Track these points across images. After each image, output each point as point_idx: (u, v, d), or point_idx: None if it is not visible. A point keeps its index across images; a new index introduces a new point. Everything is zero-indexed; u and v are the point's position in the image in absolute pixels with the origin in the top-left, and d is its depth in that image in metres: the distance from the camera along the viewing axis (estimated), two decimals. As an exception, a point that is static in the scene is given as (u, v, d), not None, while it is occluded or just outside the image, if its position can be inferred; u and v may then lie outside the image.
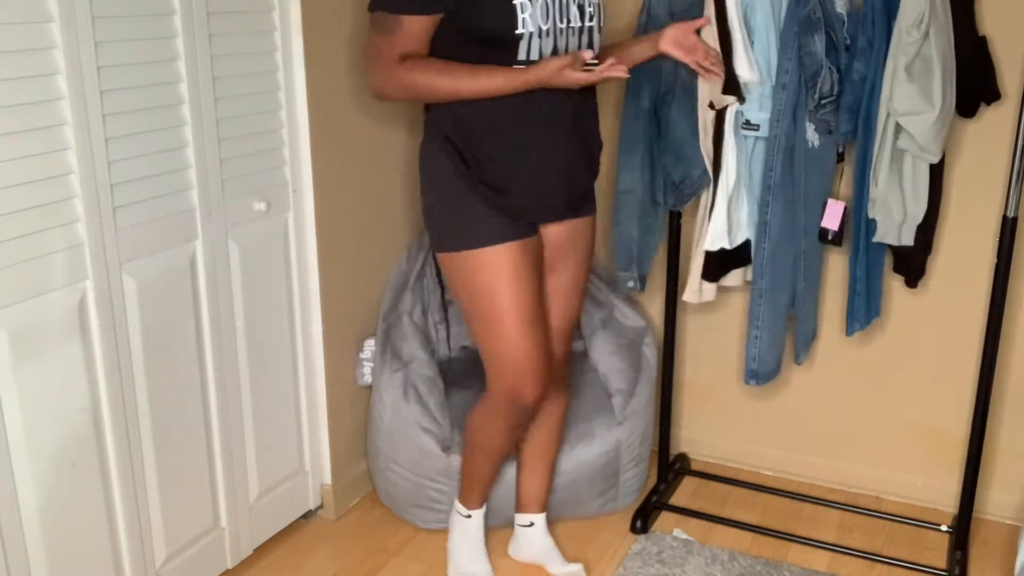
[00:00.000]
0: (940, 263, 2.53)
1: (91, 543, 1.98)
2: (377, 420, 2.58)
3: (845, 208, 2.37)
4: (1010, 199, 2.17)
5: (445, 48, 1.91)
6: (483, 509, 2.38)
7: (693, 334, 2.90)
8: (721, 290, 2.57)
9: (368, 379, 2.64)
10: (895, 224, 2.26)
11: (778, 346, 2.39)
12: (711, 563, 2.45)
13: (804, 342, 2.46)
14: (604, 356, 2.72)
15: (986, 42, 2.28)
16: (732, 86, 2.19)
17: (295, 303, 2.44)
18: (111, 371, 1.95)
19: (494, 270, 2.00)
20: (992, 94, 2.31)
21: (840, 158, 2.38)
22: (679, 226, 2.56)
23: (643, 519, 2.60)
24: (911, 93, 2.09)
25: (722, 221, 2.32)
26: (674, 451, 2.93)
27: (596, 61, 1.88)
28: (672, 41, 2.07)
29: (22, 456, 1.80)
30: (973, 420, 2.37)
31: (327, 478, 2.63)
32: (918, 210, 2.24)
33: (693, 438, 3.00)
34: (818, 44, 2.14)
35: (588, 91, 2.04)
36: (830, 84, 2.18)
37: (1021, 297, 2.48)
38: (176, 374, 2.11)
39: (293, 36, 2.26)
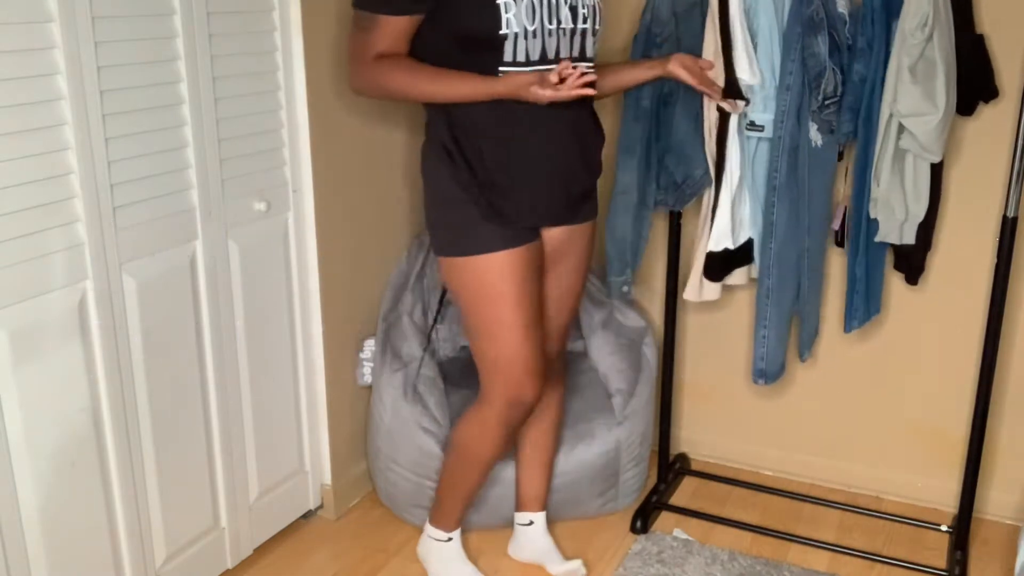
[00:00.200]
0: (940, 262, 2.53)
1: (91, 543, 1.98)
2: (377, 420, 2.58)
3: (844, 208, 2.37)
4: (1010, 199, 2.17)
5: (432, 49, 1.91)
6: (459, 530, 2.36)
7: (693, 334, 2.90)
8: (726, 289, 2.57)
9: (368, 379, 2.64)
10: (897, 223, 2.26)
11: (784, 345, 2.39)
12: (711, 563, 2.45)
13: (808, 339, 2.46)
14: (604, 356, 2.72)
15: (983, 40, 2.28)
16: (733, 90, 2.18)
17: (295, 303, 2.44)
18: (111, 371, 1.95)
19: (495, 277, 1.99)
20: (990, 93, 2.31)
21: (840, 157, 2.38)
22: (679, 226, 2.56)
23: (643, 519, 2.61)
24: (915, 95, 2.09)
25: (726, 221, 2.32)
26: (674, 451, 2.93)
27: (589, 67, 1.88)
28: (680, 64, 2.10)
29: (22, 456, 1.80)
30: (973, 420, 2.37)
31: (327, 478, 2.63)
32: (919, 209, 2.25)
33: (693, 438, 3.00)
34: (821, 45, 2.14)
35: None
36: (833, 85, 2.18)
37: (1021, 297, 2.48)
38: (176, 374, 2.11)
39: (293, 36, 2.26)
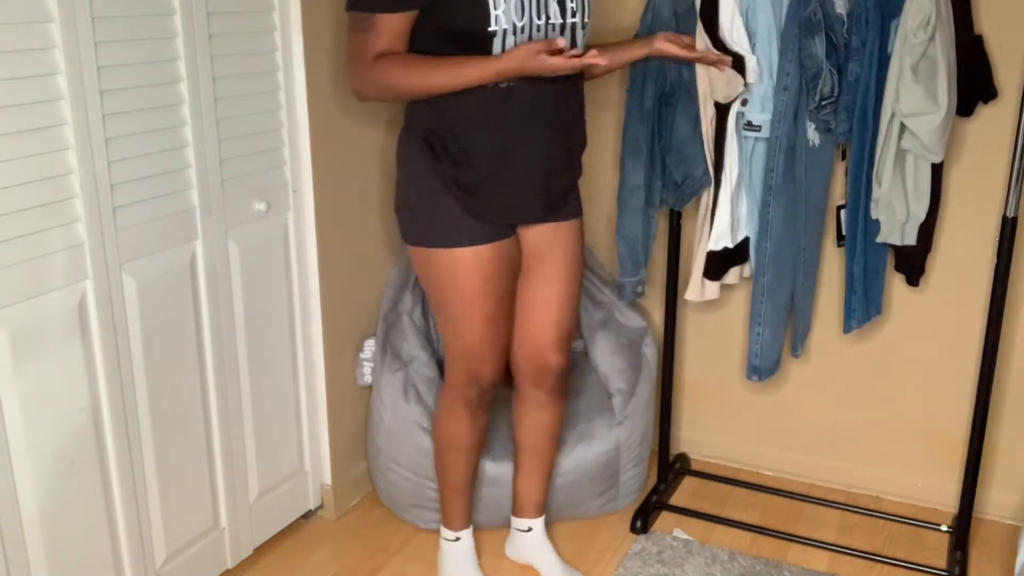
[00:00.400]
0: (940, 262, 2.53)
1: (91, 543, 1.98)
2: (377, 420, 2.58)
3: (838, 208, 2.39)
4: (1010, 199, 2.17)
5: (420, 46, 1.91)
6: (470, 529, 2.37)
7: (693, 334, 2.90)
8: (725, 288, 2.58)
9: (368, 379, 2.64)
10: (898, 224, 2.26)
11: (779, 342, 2.40)
12: (711, 563, 2.45)
13: (801, 336, 2.47)
14: (604, 356, 2.72)
15: (982, 41, 2.28)
16: (739, 68, 2.20)
17: (295, 303, 2.44)
18: (111, 371, 1.95)
19: (465, 272, 2.00)
20: (989, 93, 2.31)
21: (844, 156, 2.38)
22: (679, 226, 2.56)
23: (643, 519, 2.61)
24: (918, 94, 2.09)
25: (726, 221, 2.32)
26: (674, 451, 2.93)
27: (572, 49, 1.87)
28: (665, 39, 2.11)
29: (22, 456, 1.80)
30: (973, 420, 2.37)
31: (327, 478, 2.63)
32: (921, 210, 2.25)
33: (693, 438, 3.00)
34: (819, 46, 2.14)
35: (573, 88, 2.02)
36: (830, 85, 2.18)
37: (1021, 297, 2.48)
38: (176, 374, 2.11)
39: (293, 36, 2.26)
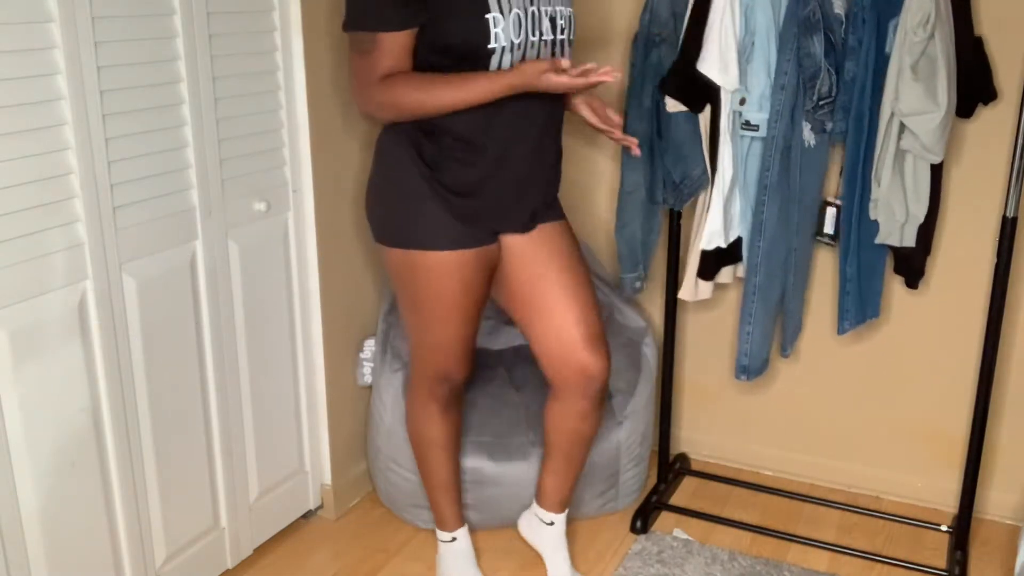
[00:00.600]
0: (940, 263, 2.53)
1: (91, 543, 1.98)
2: (377, 420, 2.58)
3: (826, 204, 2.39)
4: (1010, 199, 2.17)
5: (418, 62, 1.89)
6: (465, 528, 2.37)
7: (693, 334, 2.90)
8: (717, 288, 2.58)
9: (368, 379, 2.64)
10: (897, 225, 2.26)
11: (768, 342, 2.41)
12: (711, 563, 2.45)
13: (791, 335, 2.48)
14: (604, 356, 2.72)
15: (982, 43, 2.29)
16: (688, 86, 2.21)
17: (295, 303, 2.44)
18: (111, 371, 1.95)
19: (447, 275, 2.00)
20: (989, 94, 2.31)
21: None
22: (679, 226, 2.56)
23: (643, 519, 2.61)
24: (917, 93, 2.09)
25: (718, 220, 2.33)
26: (674, 451, 2.93)
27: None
28: (585, 104, 2.07)
29: (22, 456, 1.80)
30: (973, 420, 2.37)
31: (327, 478, 2.63)
32: (920, 210, 2.25)
33: (693, 438, 3.00)
34: (817, 45, 2.14)
35: (557, 103, 2.03)
36: (828, 85, 2.18)
37: (1021, 297, 2.48)
38: (176, 374, 2.11)
39: (293, 36, 2.26)
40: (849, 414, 2.77)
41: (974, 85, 2.26)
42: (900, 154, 2.20)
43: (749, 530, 2.60)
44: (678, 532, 2.60)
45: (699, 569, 2.43)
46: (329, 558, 2.48)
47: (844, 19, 2.19)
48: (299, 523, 2.61)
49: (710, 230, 2.34)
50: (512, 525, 2.48)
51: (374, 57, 1.86)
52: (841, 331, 2.42)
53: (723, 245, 2.36)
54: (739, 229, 2.40)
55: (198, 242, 2.12)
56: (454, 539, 2.35)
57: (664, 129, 2.36)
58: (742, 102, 2.26)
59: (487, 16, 1.83)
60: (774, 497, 2.78)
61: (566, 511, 2.36)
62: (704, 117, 2.30)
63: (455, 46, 1.85)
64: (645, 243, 2.48)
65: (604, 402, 2.21)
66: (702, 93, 2.24)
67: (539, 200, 2.07)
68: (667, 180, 2.41)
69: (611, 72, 1.78)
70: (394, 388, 2.52)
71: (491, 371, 2.79)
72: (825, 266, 2.64)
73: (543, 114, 1.98)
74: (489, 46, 1.84)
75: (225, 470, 2.29)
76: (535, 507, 2.38)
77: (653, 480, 2.80)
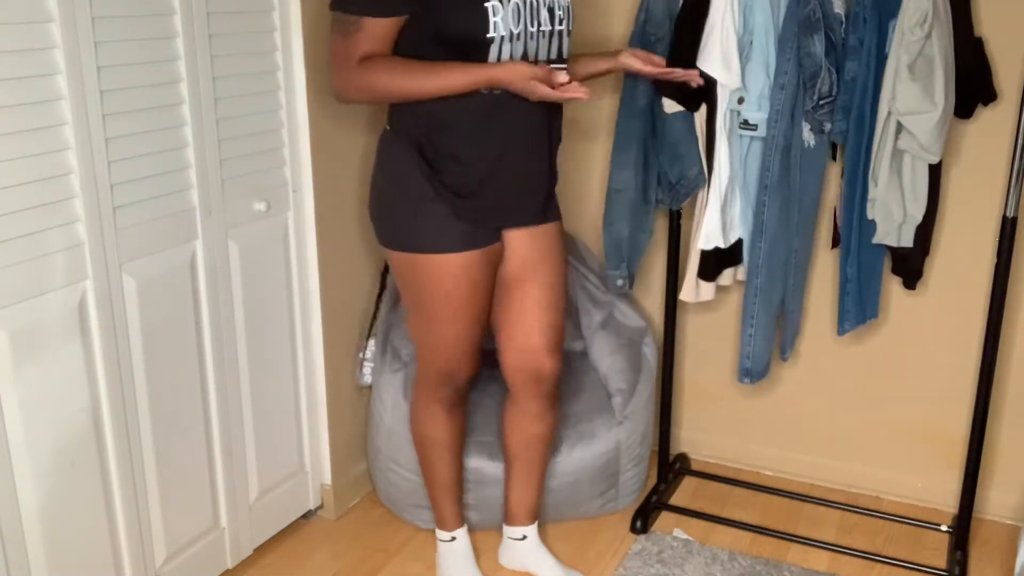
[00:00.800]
0: (940, 263, 2.53)
1: (91, 543, 1.98)
2: (377, 420, 2.58)
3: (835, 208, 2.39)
4: (1010, 199, 2.17)
5: (415, 51, 1.88)
6: (465, 528, 2.37)
7: (693, 334, 2.90)
8: (720, 289, 2.57)
9: (368, 379, 2.64)
10: (895, 225, 2.26)
11: (770, 344, 2.40)
12: (711, 563, 2.45)
13: (791, 338, 2.47)
14: (604, 356, 2.72)
15: (982, 43, 2.29)
16: (669, 86, 2.23)
17: (295, 303, 2.44)
18: (111, 371, 1.95)
19: (454, 277, 2.00)
20: (989, 95, 2.31)
21: (834, 158, 2.38)
22: (679, 226, 2.56)
23: (643, 519, 2.60)
24: (914, 92, 2.09)
25: (715, 220, 2.32)
26: (674, 451, 2.93)
27: (563, 68, 1.89)
28: (631, 54, 2.12)
29: (22, 456, 1.80)
30: (973, 420, 2.37)
31: (327, 478, 2.63)
32: (918, 210, 2.24)
33: (693, 438, 3.00)
34: (817, 45, 2.14)
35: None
36: (829, 85, 2.18)
37: (1021, 297, 2.48)
38: (176, 374, 2.11)
39: (293, 36, 2.26)
40: (849, 414, 2.77)
41: (974, 85, 2.26)
42: (898, 154, 2.20)
43: (749, 530, 2.60)
44: (678, 532, 2.60)
45: (699, 569, 2.43)
46: (329, 558, 2.49)
47: (844, 18, 2.19)
48: (299, 523, 2.61)
49: (707, 230, 2.33)
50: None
51: (355, 39, 1.86)
52: (841, 332, 2.42)
53: (722, 245, 2.35)
54: (740, 230, 2.39)
55: (198, 242, 2.12)
56: (454, 539, 2.35)
57: (659, 129, 2.36)
58: (740, 101, 2.25)
59: (486, 4, 1.83)
60: (774, 497, 2.78)
61: (536, 523, 2.40)
62: (700, 116, 2.30)
63: (454, 35, 1.85)
64: (633, 242, 2.47)
65: (557, 404, 2.27)
66: (699, 92, 2.24)
67: (544, 193, 2.08)
68: (663, 180, 2.40)
69: (584, 92, 1.82)
70: (394, 388, 2.52)
71: (491, 371, 2.79)
72: (824, 267, 2.64)
73: (541, 110, 1.97)
74: (488, 35, 1.84)
75: (225, 470, 2.29)
76: (506, 530, 2.42)
77: (653, 480, 2.80)
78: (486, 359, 2.85)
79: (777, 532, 2.58)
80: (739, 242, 2.41)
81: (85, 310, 1.88)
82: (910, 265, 2.38)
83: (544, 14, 1.91)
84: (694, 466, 2.95)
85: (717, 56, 2.16)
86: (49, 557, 1.88)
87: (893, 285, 2.58)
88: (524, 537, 2.39)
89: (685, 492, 2.82)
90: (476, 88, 1.87)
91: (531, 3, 1.89)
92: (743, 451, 2.94)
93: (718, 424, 2.95)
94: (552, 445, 2.37)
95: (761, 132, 2.26)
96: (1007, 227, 2.20)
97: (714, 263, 2.40)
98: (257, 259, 2.29)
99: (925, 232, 2.31)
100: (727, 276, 2.46)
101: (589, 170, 2.86)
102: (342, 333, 2.58)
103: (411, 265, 2.02)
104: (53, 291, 1.81)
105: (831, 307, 2.67)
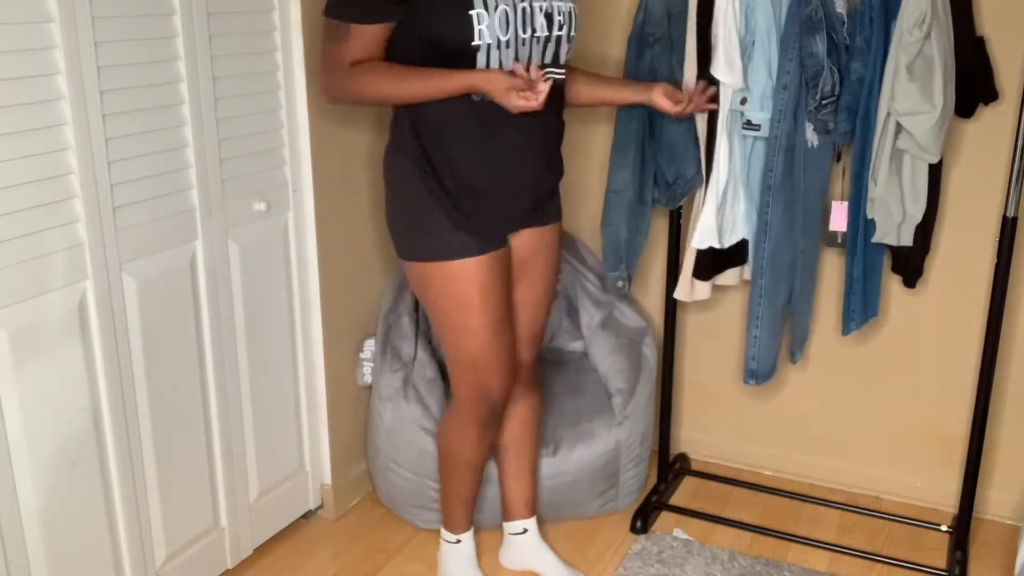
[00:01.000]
0: (940, 263, 2.53)
1: (91, 543, 1.98)
2: (377, 420, 2.58)
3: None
4: (1010, 199, 2.17)
5: (406, 57, 1.89)
6: (471, 532, 2.37)
7: (693, 334, 2.90)
8: (718, 289, 2.57)
9: (368, 379, 2.64)
10: (894, 224, 2.26)
11: (776, 345, 2.40)
12: (711, 563, 2.45)
13: (799, 340, 2.47)
14: (604, 356, 2.73)
15: (984, 43, 2.28)
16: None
17: (295, 303, 2.44)
18: (111, 371, 1.95)
19: (466, 284, 1.99)
20: (990, 94, 2.31)
21: (839, 158, 2.38)
22: (679, 225, 2.56)
23: (643, 519, 2.60)
24: (912, 93, 2.08)
25: (710, 221, 2.32)
26: (674, 451, 2.93)
27: (561, 73, 1.87)
28: (663, 93, 2.11)
29: (22, 456, 1.80)
30: (973, 420, 2.37)
31: (327, 478, 2.63)
32: (917, 210, 2.24)
33: (693, 438, 3.00)
34: (819, 45, 2.14)
35: (559, 106, 2.03)
36: (831, 84, 2.17)
37: (1021, 297, 2.48)
38: (176, 374, 2.11)
39: (293, 36, 2.26)
40: (849, 414, 2.77)
41: (975, 84, 2.26)
42: (897, 154, 2.20)
43: (749, 530, 2.60)
44: (678, 532, 2.60)
45: (699, 569, 2.43)
46: (329, 558, 2.49)
47: (846, 18, 2.19)
48: (299, 523, 2.61)
49: (702, 229, 2.33)
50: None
51: (346, 45, 1.89)
52: (846, 332, 2.41)
53: (717, 245, 2.35)
54: (744, 231, 2.39)
55: (198, 242, 2.12)
56: (459, 541, 2.35)
57: (657, 129, 2.36)
58: (743, 102, 2.25)
59: (470, 12, 1.81)
60: (774, 497, 2.78)
61: (534, 516, 2.39)
62: (701, 117, 2.30)
63: (440, 43, 1.85)
64: (630, 243, 2.47)
65: (536, 386, 2.29)
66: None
67: (543, 192, 2.07)
68: (659, 180, 2.40)
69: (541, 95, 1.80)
70: (394, 388, 2.52)
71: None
72: (824, 267, 2.64)
73: (541, 121, 1.96)
74: (473, 43, 1.83)
75: (225, 470, 2.29)
76: (506, 527, 2.42)
77: (653, 480, 2.80)
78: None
79: (777, 532, 2.58)
80: (743, 242, 2.40)
81: (85, 310, 1.88)
82: (910, 264, 2.38)
83: (540, 20, 1.89)
84: (694, 466, 2.95)
85: (720, 57, 2.16)
86: (49, 557, 1.88)
87: (893, 284, 2.58)
88: (524, 531, 2.39)
89: (685, 492, 2.82)
90: (458, 93, 1.86)
91: (523, 9, 1.87)
92: (743, 451, 2.94)
93: (718, 424, 2.95)
94: (537, 435, 2.35)
95: (764, 132, 2.26)
96: (1007, 227, 2.20)
97: (710, 263, 2.39)
98: (257, 259, 2.29)
99: (925, 231, 2.31)
100: (732, 276, 2.46)
101: (589, 171, 2.86)
102: (342, 333, 2.58)
103: (422, 275, 2.03)
104: (53, 291, 1.81)
105: (831, 307, 2.67)
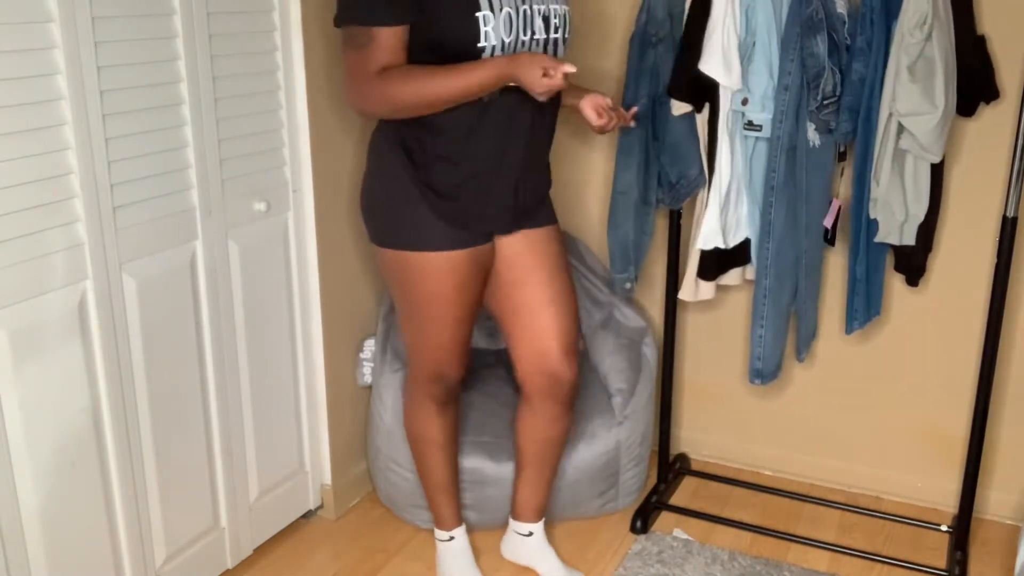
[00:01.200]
0: (940, 263, 2.53)
1: (91, 543, 1.98)
2: (377, 420, 2.58)
3: (839, 207, 2.37)
4: (1010, 199, 2.17)
5: (408, 60, 1.87)
6: (463, 527, 2.38)
7: (693, 334, 2.90)
8: (720, 289, 2.57)
9: (368, 379, 2.64)
10: (897, 224, 2.26)
11: (781, 344, 2.40)
12: (711, 563, 2.45)
13: (805, 340, 2.47)
14: (604, 356, 2.72)
15: (985, 41, 2.28)
16: (689, 84, 2.21)
17: (295, 303, 2.44)
18: (111, 371, 1.95)
19: (440, 276, 2.00)
20: (991, 93, 2.31)
21: (842, 157, 2.38)
22: (680, 225, 2.56)
23: (643, 519, 2.61)
24: (914, 94, 2.09)
25: (714, 221, 2.32)
26: (674, 451, 2.93)
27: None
28: (591, 106, 1.97)
29: (22, 456, 1.80)
30: (973, 420, 2.37)
31: (327, 478, 2.63)
32: (919, 210, 2.24)
33: (693, 438, 3.00)
34: (820, 45, 2.14)
35: (550, 102, 2.00)
36: (832, 85, 2.17)
37: (1021, 297, 2.48)
38: (176, 374, 2.11)
39: (293, 36, 2.26)
40: (849, 414, 2.77)
41: (976, 84, 2.26)
42: (900, 153, 2.20)
43: (749, 530, 2.60)
44: (678, 532, 2.60)
45: (699, 569, 2.43)
46: (329, 558, 2.48)
47: (847, 19, 2.19)
48: (299, 523, 2.61)
49: (706, 230, 2.33)
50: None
51: (370, 51, 1.84)
52: (850, 331, 2.41)
53: (722, 246, 2.35)
54: (747, 231, 2.39)
55: (198, 242, 2.12)
56: (452, 538, 2.35)
57: (660, 129, 2.36)
58: (744, 102, 2.25)
59: (477, 15, 1.82)
60: (774, 497, 2.78)
61: (543, 520, 2.39)
62: (702, 117, 2.30)
63: (445, 44, 1.84)
64: (637, 244, 2.48)
65: (573, 407, 2.24)
66: (703, 92, 2.24)
67: (529, 199, 2.06)
68: (663, 180, 2.41)
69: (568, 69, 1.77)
70: (394, 388, 2.52)
71: (491, 371, 2.79)
72: (828, 267, 2.63)
73: (530, 114, 1.96)
74: (479, 45, 1.83)
75: (225, 470, 2.29)
76: (512, 524, 2.42)
77: (653, 480, 2.80)
78: (486, 358, 2.86)
79: (777, 532, 2.58)
80: (746, 242, 2.40)
81: (85, 310, 1.88)
82: (913, 263, 2.38)
83: (539, 23, 1.90)
84: (694, 466, 2.95)
85: (719, 58, 2.16)
86: (49, 557, 1.88)
87: (895, 284, 2.58)
88: (530, 534, 2.39)
89: (685, 492, 2.82)
90: (494, 87, 1.84)
91: (524, 12, 1.87)
92: (743, 451, 2.94)
93: (718, 424, 2.95)
94: (562, 448, 2.32)
95: (766, 133, 2.26)
96: (1007, 227, 2.20)
97: (714, 263, 2.40)
98: (257, 259, 2.29)
99: (928, 230, 2.31)
100: (735, 276, 2.46)
101: (588, 172, 2.86)
102: (342, 333, 2.58)
103: (398, 263, 2.03)
104: (53, 291, 1.81)
105: (831, 307, 2.67)
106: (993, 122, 2.38)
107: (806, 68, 2.17)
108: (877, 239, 2.29)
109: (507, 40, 1.85)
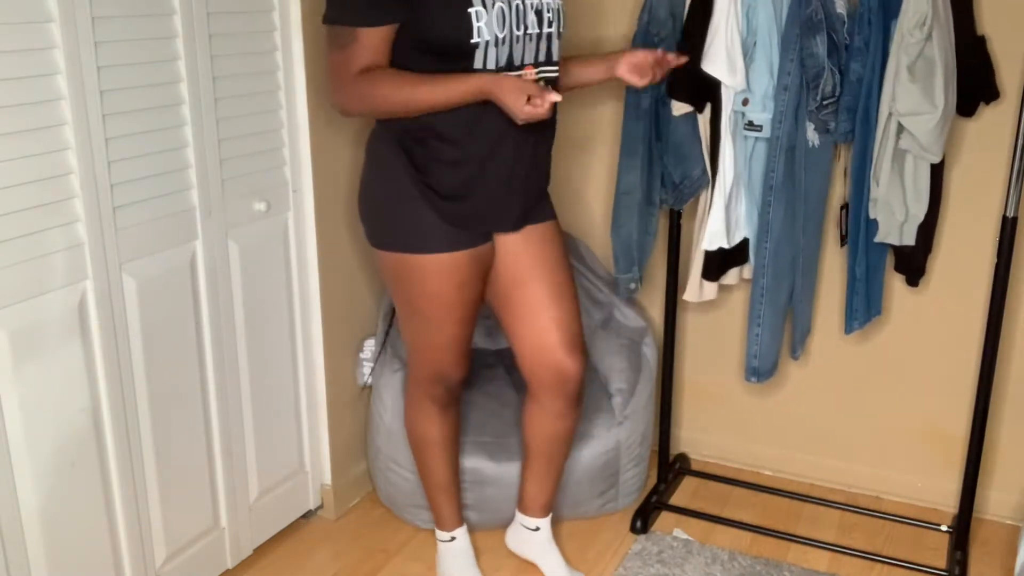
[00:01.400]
0: (940, 263, 2.53)
1: (91, 543, 1.98)
2: (377, 420, 2.58)
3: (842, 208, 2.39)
4: (1010, 199, 2.17)
5: (400, 59, 1.87)
6: (464, 527, 2.37)
7: (693, 334, 2.90)
8: (725, 288, 2.58)
9: (368, 379, 2.65)
10: (897, 224, 2.26)
11: (777, 343, 2.40)
12: (711, 563, 2.45)
13: (801, 338, 2.47)
14: (604, 356, 2.72)
15: (985, 41, 2.28)
16: (690, 83, 2.20)
17: (295, 303, 2.44)
18: (111, 371, 1.95)
19: (440, 278, 1.99)
20: (991, 94, 2.31)
21: (838, 158, 2.39)
22: (680, 226, 2.56)
23: (643, 519, 2.61)
24: (914, 93, 2.09)
25: (720, 221, 2.32)
26: (674, 451, 2.93)
27: (554, 71, 1.88)
28: (629, 67, 2.00)
29: (22, 456, 1.80)
30: (973, 420, 2.37)
31: (327, 478, 2.63)
32: (919, 210, 2.25)
33: (693, 438, 3.00)
34: (820, 46, 2.14)
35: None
36: (832, 85, 2.18)
37: (1021, 297, 2.48)
38: (176, 374, 2.11)
39: (293, 36, 2.26)
40: (849, 414, 2.77)
41: (976, 84, 2.26)
42: (899, 154, 2.20)
43: (749, 530, 2.60)
44: (678, 532, 2.60)
45: (699, 569, 2.43)
46: (329, 558, 2.49)
47: (846, 19, 2.19)
48: (299, 523, 2.61)
49: (711, 230, 2.34)
50: (510, 520, 2.48)
51: (352, 51, 1.85)
52: (849, 331, 2.42)
53: (726, 246, 2.35)
54: (745, 230, 2.39)
55: (198, 242, 2.12)
56: (453, 539, 2.35)
57: (663, 130, 2.36)
58: (745, 103, 2.25)
59: (469, 10, 1.81)
60: (774, 497, 2.78)
61: (550, 515, 2.39)
62: (704, 117, 2.30)
63: (438, 41, 1.84)
64: (640, 244, 2.48)
65: (581, 402, 2.23)
66: (705, 93, 2.24)
67: (530, 198, 2.06)
68: (666, 181, 2.41)
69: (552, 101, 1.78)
70: (394, 388, 2.52)
71: (491, 371, 2.79)
72: (828, 266, 2.64)
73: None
74: (472, 41, 1.82)
75: (225, 470, 2.29)
76: (518, 516, 2.41)
77: (653, 480, 2.80)
78: (486, 358, 2.86)
79: (777, 532, 2.58)
80: (744, 241, 2.41)
81: (85, 310, 1.88)
82: (913, 263, 2.38)
83: (531, 17, 1.89)
84: (694, 466, 2.96)
85: (722, 58, 2.16)
86: (49, 557, 1.88)
87: (895, 284, 2.58)
88: (537, 529, 2.38)
89: (685, 492, 2.82)
90: (470, 101, 1.84)
91: (517, 6, 1.87)
92: (743, 451, 2.94)
93: (718, 424, 2.95)
94: (570, 444, 2.31)
95: (766, 133, 2.26)
96: (1007, 227, 2.20)
97: (718, 263, 2.40)
98: (257, 259, 2.29)
99: (927, 230, 2.31)
100: (733, 275, 2.46)
101: (588, 172, 2.86)
102: (342, 333, 2.58)
103: (398, 265, 2.02)
104: (53, 291, 1.81)
105: (832, 307, 2.67)
106: (993, 122, 2.39)
107: (805, 68, 2.17)
108: (877, 239, 2.29)
109: (500, 35, 1.85)
